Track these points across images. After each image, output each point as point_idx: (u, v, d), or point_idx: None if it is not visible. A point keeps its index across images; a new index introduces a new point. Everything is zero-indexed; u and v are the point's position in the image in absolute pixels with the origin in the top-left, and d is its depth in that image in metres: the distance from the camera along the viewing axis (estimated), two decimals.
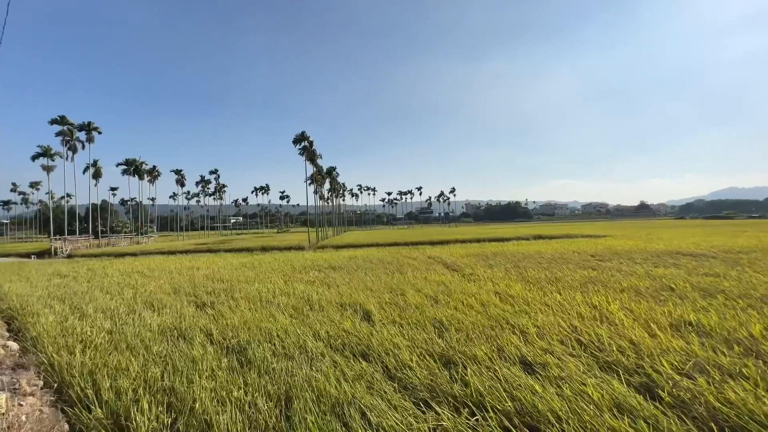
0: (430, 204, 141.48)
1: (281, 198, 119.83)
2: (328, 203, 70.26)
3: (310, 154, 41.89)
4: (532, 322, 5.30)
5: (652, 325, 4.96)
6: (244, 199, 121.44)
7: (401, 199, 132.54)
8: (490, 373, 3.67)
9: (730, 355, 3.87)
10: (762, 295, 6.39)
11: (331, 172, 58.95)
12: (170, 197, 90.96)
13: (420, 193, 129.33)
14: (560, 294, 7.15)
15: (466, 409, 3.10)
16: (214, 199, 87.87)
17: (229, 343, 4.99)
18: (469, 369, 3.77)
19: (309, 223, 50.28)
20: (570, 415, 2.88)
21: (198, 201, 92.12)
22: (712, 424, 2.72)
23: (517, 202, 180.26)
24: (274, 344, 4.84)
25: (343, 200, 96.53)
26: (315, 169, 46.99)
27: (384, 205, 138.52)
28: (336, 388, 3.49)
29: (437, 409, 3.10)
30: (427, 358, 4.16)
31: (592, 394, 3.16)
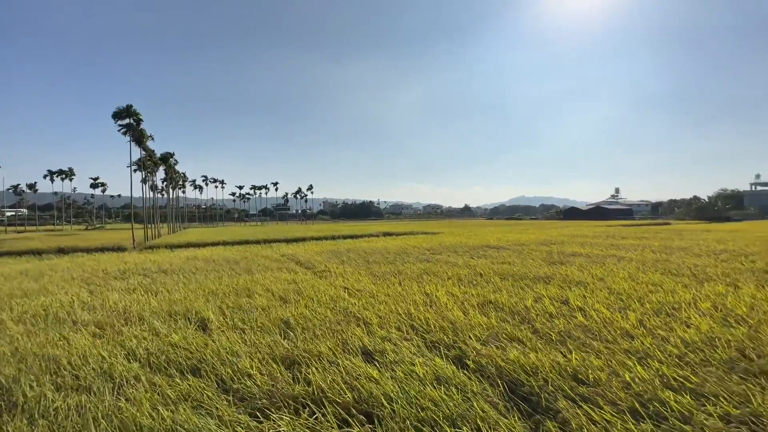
0: (287, 200, 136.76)
1: (93, 186, 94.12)
2: (162, 195, 59.52)
3: (137, 134, 34.38)
4: (376, 312, 5.70)
5: (466, 305, 6.04)
6: (31, 186, 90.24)
7: (255, 194, 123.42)
8: (333, 368, 3.74)
9: (513, 323, 5.06)
10: (534, 276, 8.64)
11: (167, 158, 49.94)
12: None
13: (276, 189, 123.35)
14: (401, 285, 7.96)
15: (307, 409, 3.05)
16: None
17: None
18: (312, 367, 3.75)
19: (134, 218, 41.31)
20: (400, 394, 3.19)
21: None
22: (499, 380, 3.47)
23: (370, 202, 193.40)
24: (63, 376, 3.71)
25: (184, 192, 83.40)
26: (145, 153, 38.97)
27: (235, 200, 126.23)
28: (150, 416, 2.91)
29: (276, 415, 2.95)
30: (270, 362, 3.94)
31: (419, 371, 3.60)
